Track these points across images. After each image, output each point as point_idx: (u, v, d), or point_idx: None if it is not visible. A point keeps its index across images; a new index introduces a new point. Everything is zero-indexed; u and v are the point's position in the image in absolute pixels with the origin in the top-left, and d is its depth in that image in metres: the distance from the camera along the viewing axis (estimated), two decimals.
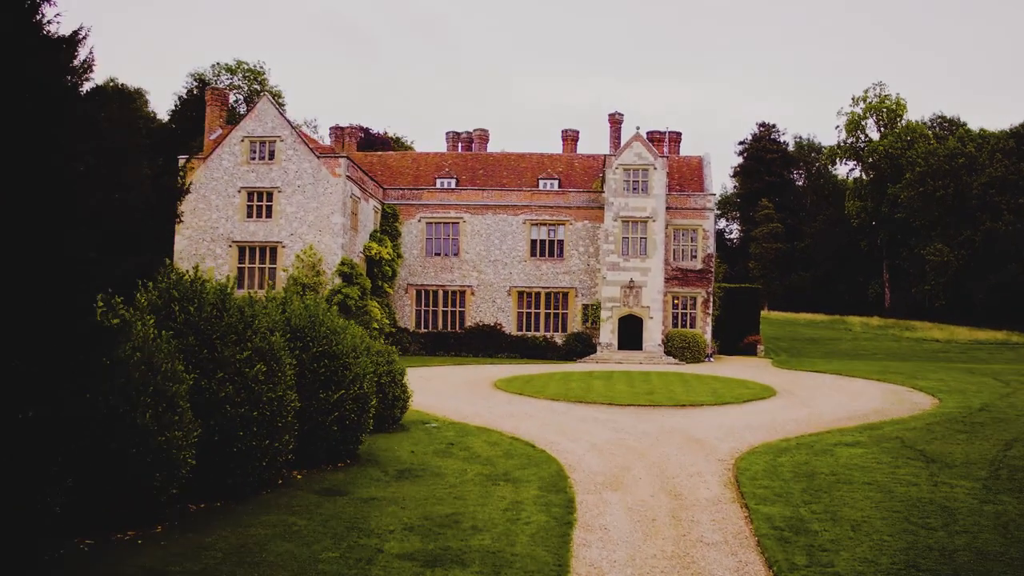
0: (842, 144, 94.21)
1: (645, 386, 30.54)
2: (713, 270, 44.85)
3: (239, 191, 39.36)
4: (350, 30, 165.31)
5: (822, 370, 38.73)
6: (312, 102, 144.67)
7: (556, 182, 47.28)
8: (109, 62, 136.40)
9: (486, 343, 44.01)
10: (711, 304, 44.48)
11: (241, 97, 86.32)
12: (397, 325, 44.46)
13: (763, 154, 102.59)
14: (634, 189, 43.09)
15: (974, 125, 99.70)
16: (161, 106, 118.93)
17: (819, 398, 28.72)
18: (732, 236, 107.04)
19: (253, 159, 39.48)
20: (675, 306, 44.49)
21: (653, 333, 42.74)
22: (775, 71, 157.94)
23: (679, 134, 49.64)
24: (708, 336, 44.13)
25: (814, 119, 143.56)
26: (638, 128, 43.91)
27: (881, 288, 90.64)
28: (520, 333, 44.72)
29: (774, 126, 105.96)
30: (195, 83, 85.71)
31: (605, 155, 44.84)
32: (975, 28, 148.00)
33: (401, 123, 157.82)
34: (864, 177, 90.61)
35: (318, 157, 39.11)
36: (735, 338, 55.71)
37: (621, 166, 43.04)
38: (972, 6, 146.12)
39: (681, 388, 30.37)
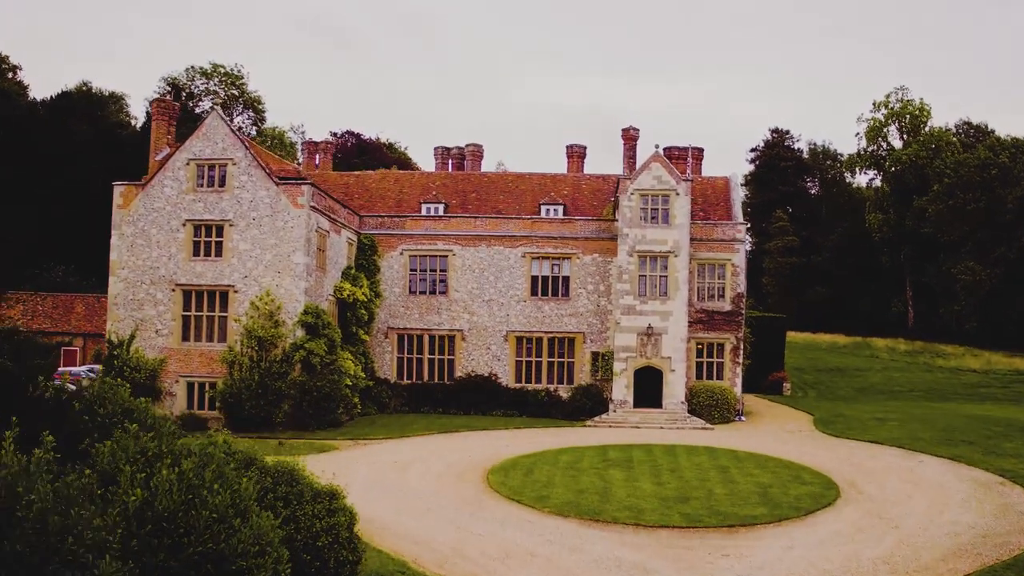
0: (863, 152, 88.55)
1: (675, 482, 24.39)
2: (744, 312, 38.49)
3: (184, 224, 33.01)
4: (340, 32, 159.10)
5: (877, 438, 32.67)
6: (302, 107, 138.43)
7: (561, 208, 40.88)
8: (104, 66, 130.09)
9: (478, 397, 37.67)
10: (741, 351, 38.15)
11: (218, 105, 79.93)
12: (376, 376, 38.13)
13: (777, 162, 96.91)
14: (652, 218, 36.75)
15: (1002, 131, 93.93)
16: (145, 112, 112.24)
17: (897, 505, 22.83)
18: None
19: (200, 186, 33.13)
20: (699, 353, 38.18)
21: (675, 388, 36.43)
22: (775, 72, 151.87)
23: (701, 150, 43.25)
24: (738, 389, 37.80)
25: (817, 120, 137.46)
26: (657, 147, 37.59)
27: (904, 306, 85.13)
28: (519, 385, 38.35)
29: (787, 132, 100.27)
30: (168, 88, 79.48)
31: (618, 177, 38.49)
32: (984, 29, 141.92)
33: (395, 128, 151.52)
34: (886, 188, 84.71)
35: (277, 184, 32.74)
36: (759, 375, 49.84)
37: (638, 191, 36.69)
38: (975, 4, 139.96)
39: (720, 484, 24.25)
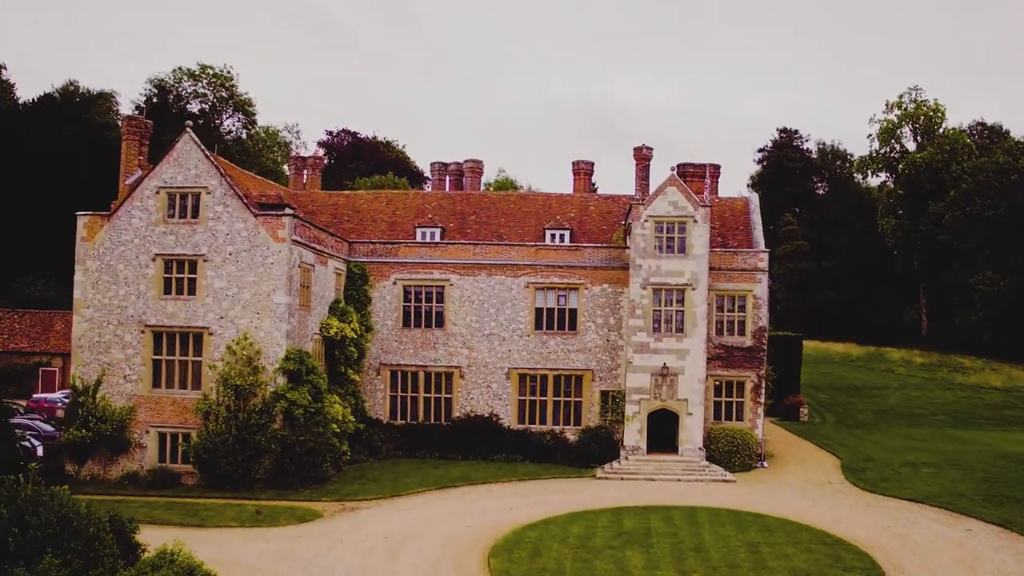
0: (875, 154, 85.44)
1: (702, 569, 21.51)
2: (766, 347, 35.49)
3: (153, 259, 29.92)
4: (334, 29, 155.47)
5: (915, 495, 29.96)
6: (298, 105, 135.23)
7: (567, 233, 37.79)
8: (92, 64, 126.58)
9: (479, 440, 34.72)
10: (763, 390, 35.21)
11: (207, 107, 76.81)
12: (366, 416, 35.16)
13: (786, 163, 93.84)
14: (668, 248, 33.73)
15: (1017, 132, 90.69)
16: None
17: None
18: None
19: (171, 217, 30.04)
20: (717, 392, 35.26)
21: (692, 432, 33.50)
22: (772, 71, 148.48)
23: (718, 167, 40.11)
24: (759, 432, 34.89)
25: (825, 119, 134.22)
26: (673, 169, 34.56)
27: (918, 314, 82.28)
28: (522, 427, 35.38)
29: (796, 132, 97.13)
30: (155, 91, 76.18)
31: (630, 202, 35.32)
32: (987, 28, 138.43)
33: (392, 126, 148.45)
34: (899, 191, 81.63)
35: (256, 215, 29.64)
36: (775, 399, 46.98)
37: (652, 218, 33.65)
38: (975, 4, 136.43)
39: (752, 571, 21.35)
